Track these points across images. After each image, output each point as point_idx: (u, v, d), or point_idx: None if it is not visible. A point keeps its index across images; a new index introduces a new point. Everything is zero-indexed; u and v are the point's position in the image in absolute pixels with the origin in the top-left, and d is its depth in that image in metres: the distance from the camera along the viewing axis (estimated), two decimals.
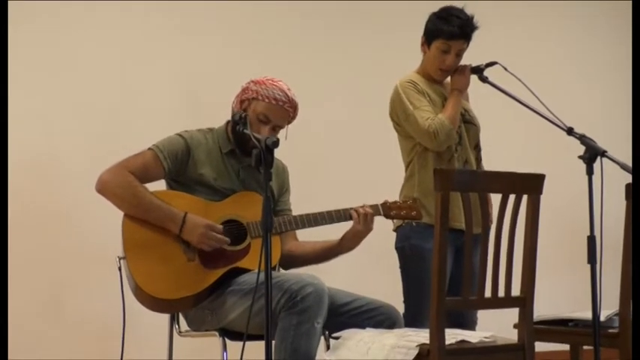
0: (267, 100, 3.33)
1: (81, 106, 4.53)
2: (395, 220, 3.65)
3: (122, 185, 3.24)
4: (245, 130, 3.17)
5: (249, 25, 4.88)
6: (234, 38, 4.74)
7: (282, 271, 3.43)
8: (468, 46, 3.72)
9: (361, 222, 3.34)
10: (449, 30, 3.64)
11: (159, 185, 3.37)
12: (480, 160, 3.83)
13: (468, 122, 3.77)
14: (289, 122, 3.41)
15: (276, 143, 2.92)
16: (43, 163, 4.42)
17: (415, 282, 3.61)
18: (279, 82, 3.39)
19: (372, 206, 3.41)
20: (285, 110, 3.35)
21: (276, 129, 3.36)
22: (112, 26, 4.61)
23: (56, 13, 4.52)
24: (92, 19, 4.57)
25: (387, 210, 3.45)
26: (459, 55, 3.71)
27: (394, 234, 3.74)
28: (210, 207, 3.30)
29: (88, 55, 4.56)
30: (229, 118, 3.41)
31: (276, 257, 3.29)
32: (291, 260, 3.46)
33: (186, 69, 4.70)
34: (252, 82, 3.39)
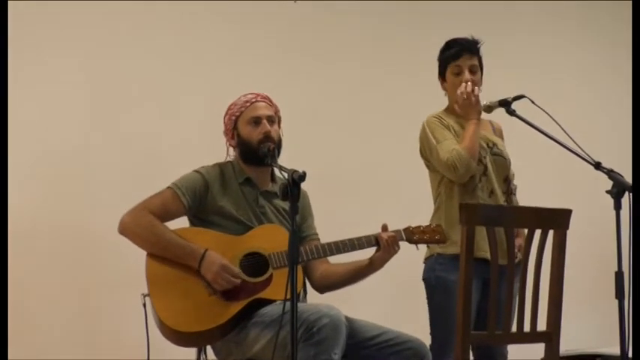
0: (244, 108, 3.48)
1: (118, 140, 4.57)
2: (425, 250, 3.66)
3: (142, 225, 3.30)
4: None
5: (278, 66, 4.92)
6: (264, 76, 4.75)
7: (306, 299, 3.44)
8: (480, 62, 3.75)
9: (390, 248, 3.36)
10: (453, 52, 3.71)
11: (182, 223, 3.42)
12: (511, 193, 3.78)
13: (496, 154, 3.76)
14: (276, 112, 3.51)
15: (302, 177, 2.94)
16: (77, 190, 4.44)
17: (441, 313, 3.59)
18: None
19: (394, 231, 3.41)
20: (261, 102, 3.48)
21: (270, 121, 3.45)
22: (148, 57, 4.65)
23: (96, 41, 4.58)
24: (134, 47, 4.63)
25: (410, 235, 3.44)
26: (472, 71, 3.72)
27: (423, 265, 3.73)
28: (233, 241, 3.33)
29: (124, 83, 4.59)
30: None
31: (299, 286, 3.30)
32: (327, 285, 3.49)
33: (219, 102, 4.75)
34: (225, 115, 3.53)
